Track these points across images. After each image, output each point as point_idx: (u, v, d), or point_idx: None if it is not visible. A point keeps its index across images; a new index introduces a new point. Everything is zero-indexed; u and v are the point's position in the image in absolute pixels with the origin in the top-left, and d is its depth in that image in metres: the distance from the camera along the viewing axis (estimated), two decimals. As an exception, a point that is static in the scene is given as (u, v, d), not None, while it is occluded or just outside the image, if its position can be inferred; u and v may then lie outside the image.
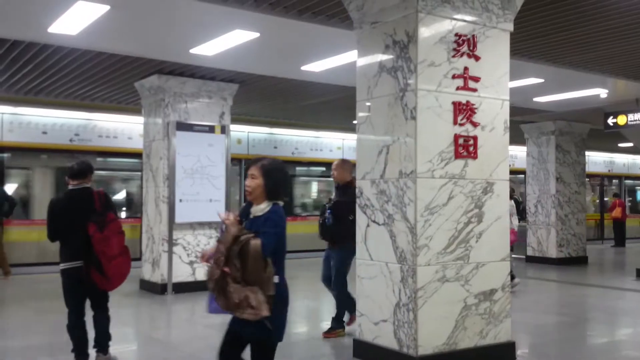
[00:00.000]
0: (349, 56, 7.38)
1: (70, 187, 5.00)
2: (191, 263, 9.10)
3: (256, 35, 6.78)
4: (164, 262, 8.92)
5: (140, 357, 6.10)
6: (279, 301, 3.18)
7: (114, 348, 5.24)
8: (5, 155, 11.15)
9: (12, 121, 10.99)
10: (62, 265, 4.90)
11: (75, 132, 11.62)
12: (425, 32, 4.91)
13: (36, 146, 11.23)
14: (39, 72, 8.59)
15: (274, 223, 3.22)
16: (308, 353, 5.91)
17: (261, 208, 3.29)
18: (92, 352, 5.02)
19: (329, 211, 6.22)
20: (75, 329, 4.91)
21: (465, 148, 5.08)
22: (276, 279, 3.16)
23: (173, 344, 6.31)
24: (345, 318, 6.39)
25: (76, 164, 5.03)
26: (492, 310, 5.18)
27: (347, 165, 6.38)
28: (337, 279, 6.27)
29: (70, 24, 6.35)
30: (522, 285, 9.76)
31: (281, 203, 3.34)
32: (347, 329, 6.33)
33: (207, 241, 9.24)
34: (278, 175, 3.35)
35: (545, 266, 12.84)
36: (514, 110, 11.44)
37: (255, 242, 3.06)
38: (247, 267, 3.05)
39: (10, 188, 11.16)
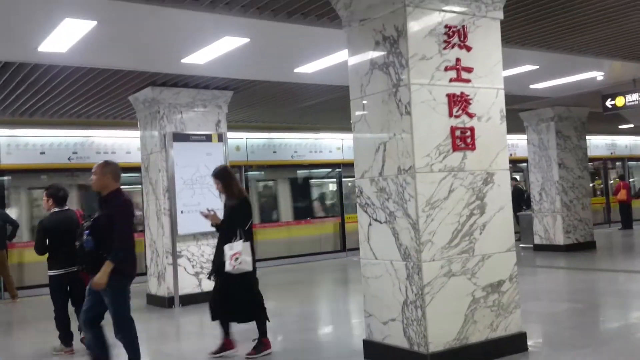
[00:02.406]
0: (341, 55, 7.34)
1: (55, 209, 6.29)
2: (197, 274, 9.06)
3: (246, 40, 6.74)
4: (169, 275, 8.88)
5: (150, 372, 6.05)
6: None
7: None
8: (5, 178, 11.13)
9: (9, 144, 10.97)
10: (52, 272, 6.20)
11: (73, 151, 11.60)
12: (414, 25, 4.86)
13: (35, 167, 11.21)
14: (32, 92, 8.56)
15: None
16: (319, 356, 5.86)
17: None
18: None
19: (86, 232, 4.84)
20: (62, 320, 6.31)
21: (463, 140, 5.02)
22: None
23: (183, 357, 6.26)
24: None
25: (61, 192, 6.38)
26: (500, 302, 5.12)
27: (110, 168, 4.95)
28: (119, 323, 4.92)
29: (59, 42, 6.32)
30: (532, 274, 9.70)
31: None
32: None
33: (211, 251, 9.18)
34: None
35: (553, 254, 12.75)
36: (511, 99, 11.43)
37: None
38: None
39: (12, 211, 11.13)
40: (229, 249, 5.54)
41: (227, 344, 5.82)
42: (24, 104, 9.30)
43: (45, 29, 5.94)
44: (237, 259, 5.48)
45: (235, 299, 5.64)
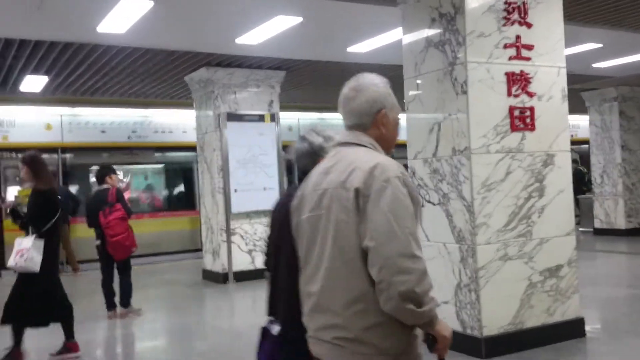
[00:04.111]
0: (395, 34, 7.21)
1: (96, 189, 7.13)
2: (250, 252, 9.19)
3: (299, 20, 6.71)
4: (223, 252, 9.04)
5: (204, 345, 6.20)
6: None
7: (177, 338, 5.34)
8: (67, 155, 11.53)
9: (71, 122, 11.35)
10: (96, 242, 6.88)
11: (132, 130, 11.90)
12: (472, 2, 4.72)
13: (96, 145, 11.56)
14: (92, 72, 8.80)
15: None
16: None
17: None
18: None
19: None
20: (105, 286, 6.92)
21: (522, 120, 4.87)
22: None
23: (237, 332, 6.39)
24: None
25: (97, 172, 7.23)
26: (558, 286, 4.99)
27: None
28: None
29: (118, 23, 6.45)
30: (591, 258, 9.42)
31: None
32: None
33: (263, 229, 9.30)
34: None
35: (614, 238, 12.33)
36: (573, 78, 11.00)
37: None
38: None
39: (73, 187, 11.55)
40: (18, 244, 5.02)
41: (16, 355, 5.09)
42: (84, 83, 9.57)
43: (104, 9, 6.06)
44: (22, 255, 4.92)
45: (30, 300, 5.06)
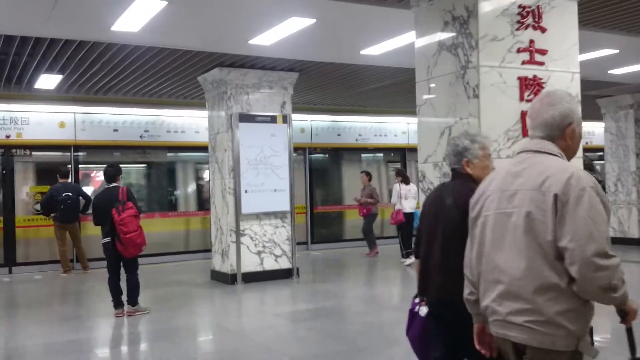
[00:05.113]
0: (408, 37, 7.18)
1: (106, 186, 7.22)
2: (259, 253, 9.19)
3: (312, 21, 6.70)
4: (232, 253, 9.05)
5: (211, 346, 6.20)
6: None
7: (184, 338, 5.35)
8: (80, 153, 11.61)
9: (84, 120, 11.41)
10: (103, 240, 6.95)
11: (145, 129, 11.95)
12: (486, 5, 4.68)
13: (109, 144, 11.63)
14: (105, 71, 8.85)
15: None
16: (377, 340, 5.84)
17: None
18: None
19: None
20: (112, 284, 6.96)
21: (534, 125, 4.82)
22: None
23: (243, 333, 6.39)
24: None
25: (107, 171, 7.25)
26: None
27: None
28: None
29: (132, 21, 6.47)
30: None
31: None
32: None
33: (273, 231, 9.30)
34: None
35: (627, 247, 12.17)
36: (588, 84, 10.92)
37: None
38: None
39: (85, 186, 11.61)
40: None
41: None
42: (97, 82, 9.63)
43: (118, 8, 6.09)
44: None
45: None
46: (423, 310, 3.14)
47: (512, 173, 2.31)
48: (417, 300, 3.24)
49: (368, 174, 12.00)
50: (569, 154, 2.33)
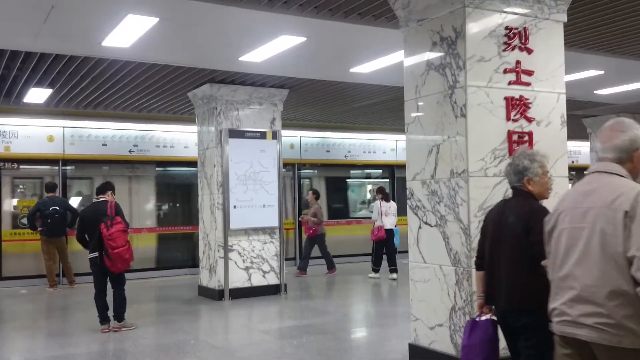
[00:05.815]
0: (397, 56, 7.27)
1: (94, 200, 7.22)
2: (247, 269, 9.17)
3: (303, 39, 6.77)
4: (220, 268, 9.02)
5: (197, 362, 6.16)
6: None
7: (171, 354, 5.31)
8: (68, 167, 11.56)
9: (73, 134, 11.38)
10: (90, 255, 6.90)
11: (134, 143, 11.93)
12: (473, 27, 4.77)
13: (97, 158, 11.59)
14: (96, 85, 8.86)
15: None
16: (365, 357, 5.83)
17: None
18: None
19: None
20: (98, 300, 6.94)
21: (520, 144, 4.89)
22: None
23: (230, 350, 6.35)
24: None
25: (101, 185, 7.34)
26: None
27: None
28: None
29: (123, 37, 6.51)
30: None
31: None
32: None
33: (261, 247, 9.29)
34: None
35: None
36: (575, 104, 11.07)
37: None
38: None
39: (73, 200, 11.55)
40: None
41: None
42: (87, 96, 9.63)
43: (110, 24, 6.12)
44: None
45: None
46: (487, 317, 3.45)
47: (584, 192, 2.57)
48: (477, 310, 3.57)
49: (315, 192, 11.97)
50: (635, 175, 2.60)
